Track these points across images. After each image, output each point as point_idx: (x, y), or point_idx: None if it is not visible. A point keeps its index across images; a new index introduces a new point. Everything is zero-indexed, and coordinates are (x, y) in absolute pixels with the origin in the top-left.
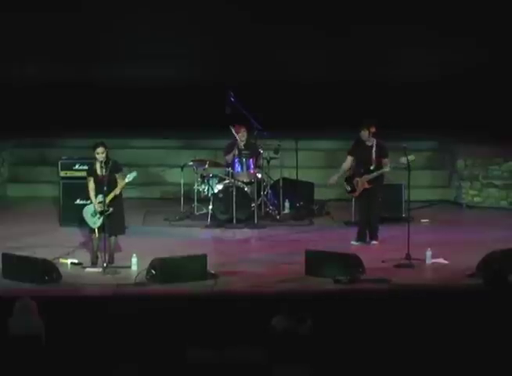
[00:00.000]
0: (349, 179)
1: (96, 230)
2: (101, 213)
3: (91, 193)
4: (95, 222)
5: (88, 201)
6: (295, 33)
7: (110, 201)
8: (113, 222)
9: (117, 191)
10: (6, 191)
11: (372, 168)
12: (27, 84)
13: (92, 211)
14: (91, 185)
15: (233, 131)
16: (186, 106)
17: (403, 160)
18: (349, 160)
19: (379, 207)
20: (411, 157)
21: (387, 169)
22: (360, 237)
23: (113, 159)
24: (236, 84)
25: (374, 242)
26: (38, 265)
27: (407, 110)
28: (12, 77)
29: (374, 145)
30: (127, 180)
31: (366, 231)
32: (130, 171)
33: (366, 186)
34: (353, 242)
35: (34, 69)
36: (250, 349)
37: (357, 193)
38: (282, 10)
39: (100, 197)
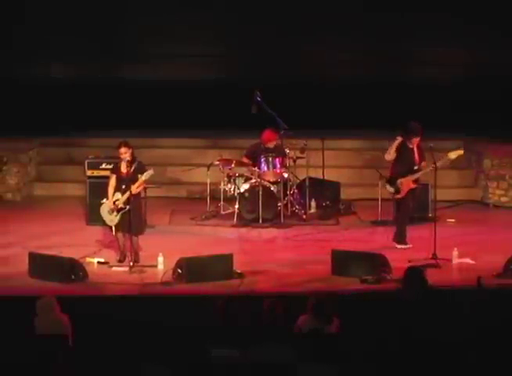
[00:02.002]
0: (392, 181)
1: (114, 228)
2: (118, 211)
3: (110, 190)
4: (112, 220)
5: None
6: (321, 35)
7: (127, 199)
8: (132, 221)
9: (133, 190)
10: (33, 190)
11: (416, 167)
12: (53, 83)
13: (109, 209)
14: (113, 182)
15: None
16: (213, 106)
17: (451, 155)
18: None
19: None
20: (459, 152)
21: (429, 168)
22: (405, 239)
23: (138, 159)
24: (262, 84)
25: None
26: (65, 265)
27: (433, 109)
28: (38, 76)
29: (415, 147)
30: (143, 178)
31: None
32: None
33: (412, 185)
34: (401, 246)
35: (60, 69)
36: (276, 349)
37: (403, 194)
38: (307, 11)
39: (118, 195)
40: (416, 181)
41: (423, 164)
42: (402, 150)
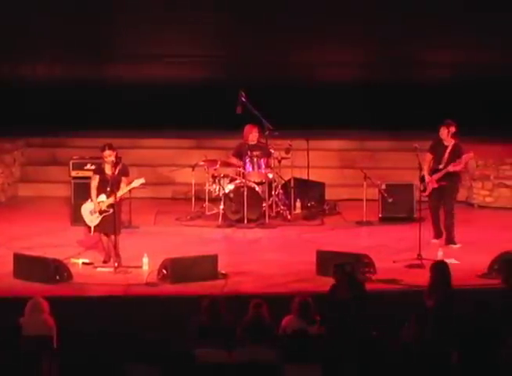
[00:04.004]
0: (423, 178)
1: (92, 229)
2: (100, 213)
3: (93, 192)
4: (92, 221)
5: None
6: (308, 35)
7: (111, 203)
8: (114, 222)
9: (119, 194)
10: (17, 191)
11: (440, 167)
12: (37, 84)
13: (92, 210)
14: (95, 183)
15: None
16: (198, 106)
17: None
18: (429, 157)
19: (452, 208)
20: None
21: (450, 169)
22: (437, 235)
23: (122, 161)
24: (248, 85)
25: (453, 246)
26: (49, 265)
27: (419, 110)
28: (22, 77)
29: (451, 146)
30: (134, 185)
31: (441, 228)
32: (138, 178)
33: (435, 185)
34: (434, 240)
35: (44, 69)
36: (260, 349)
37: (426, 193)
38: (294, 13)
39: (103, 197)
40: (440, 181)
41: (451, 165)
42: (437, 147)
